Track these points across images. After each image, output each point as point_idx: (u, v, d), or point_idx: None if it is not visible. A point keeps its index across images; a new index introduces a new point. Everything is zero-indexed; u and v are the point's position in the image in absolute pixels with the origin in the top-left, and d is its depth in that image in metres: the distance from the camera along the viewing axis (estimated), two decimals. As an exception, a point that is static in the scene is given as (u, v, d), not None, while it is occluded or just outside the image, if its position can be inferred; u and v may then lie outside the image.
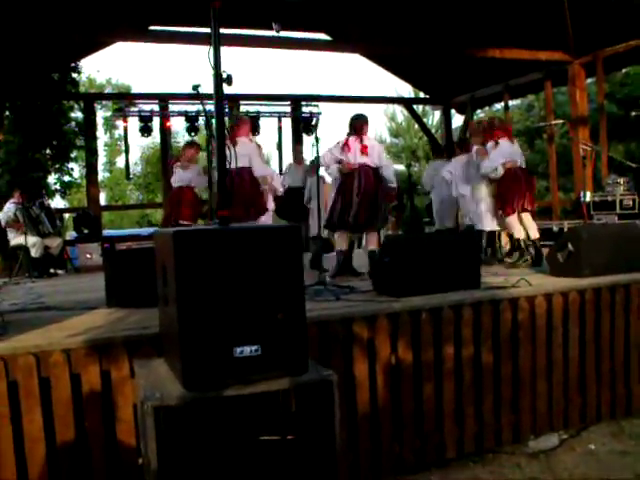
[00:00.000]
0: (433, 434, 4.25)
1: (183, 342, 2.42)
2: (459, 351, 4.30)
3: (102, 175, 29.57)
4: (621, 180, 9.19)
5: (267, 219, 7.07)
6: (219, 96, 3.05)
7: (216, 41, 2.99)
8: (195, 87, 4.41)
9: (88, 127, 11.87)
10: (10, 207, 8.80)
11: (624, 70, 14.92)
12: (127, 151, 11.88)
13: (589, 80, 11.82)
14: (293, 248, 2.59)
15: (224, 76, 3.07)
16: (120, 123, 12.95)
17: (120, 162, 28.22)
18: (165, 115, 11.63)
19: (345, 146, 6.33)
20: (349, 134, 6.47)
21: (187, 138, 25.62)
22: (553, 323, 4.67)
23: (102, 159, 29.88)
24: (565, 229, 8.72)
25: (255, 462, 2.54)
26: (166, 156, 12.02)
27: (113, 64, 44.11)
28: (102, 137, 29.04)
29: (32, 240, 8.67)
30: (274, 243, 2.57)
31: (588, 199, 9.33)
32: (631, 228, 5.62)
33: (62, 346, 3.30)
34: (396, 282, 4.54)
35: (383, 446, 4.08)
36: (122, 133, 12.16)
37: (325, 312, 4.04)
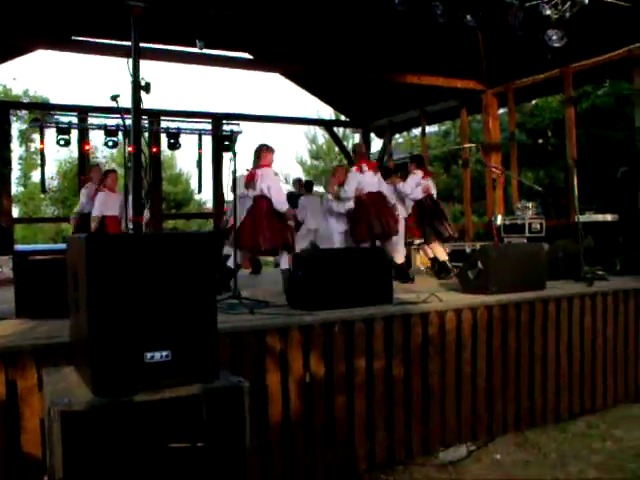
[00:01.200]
0: (344, 446, 4.31)
1: (93, 347, 2.40)
2: (371, 364, 4.39)
3: (16, 189, 28.56)
4: (530, 205, 9.61)
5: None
6: (137, 101, 3.05)
7: (135, 47, 3.00)
8: (114, 97, 4.36)
9: (2, 136, 11.49)
10: None
11: (534, 101, 15.69)
12: (43, 163, 11.56)
13: (502, 110, 12.35)
14: (204, 255, 2.62)
15: (142, 83, 3.08)
16: (36, 136, 12.56)
17: (35, 176, 27.39)
18: (84, 127, 11.38)
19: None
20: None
21: (106, 152, 25.07)
22: (462, 337, 4.84)
23: (16, 173, 28.90)
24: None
25: (165, 469, 2.52)
26: (83, 171, 11.75)
27: (31, 75, 42.87)
28: (17, 150, 28.09)
29: (-63, 252, 8.31)
30: (186, 250, 2.59)
31: (499, 222, 9.71)
32: (536, 249, 5.91)
33: (-35, 354, 3.20)
34: (309, 296, 4.60)
35: (296, 458, 4.11)
36: (38, 146, 11.83)
37: (238, 324, 4.06)
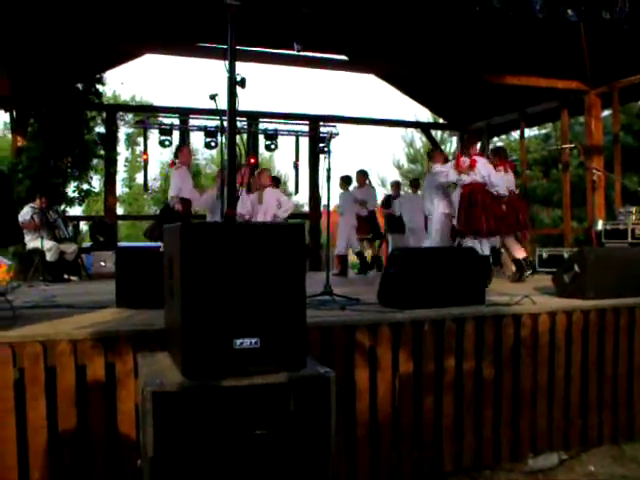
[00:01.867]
0: (431, 446, 4.27)
1: (185, 331, 2.50)
2: (460, 364, 4.33)
3: (121, 190, 29.88)
4: (633, 209, 9.19)
5: None
6: (232, 96, 3.14)
7: (231, 44, 3.10)
8: (212, 96, 4.49)
9: (109, 137, 12.07)
10: (28, 210, 8.95)
11: (641, 102, 14.99)
12: (146, 164, 12.05)
13: (606, 112, 11.88)
14: (296, 245, 2.66)
15: (238, 79, 3.17)
16: (141, 139, 13.09)
17: (140, 178, 28.50)
18: (185, 129, 11.80)
19: None
20: None
21: (207, 154, 25.84)
22: (556, 342, 4.70)
23: (122, 175, 30.22)
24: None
25: (249, 455, 2.58)
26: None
27: (137, 81, 44.69)
28: (123, 153, 29.36)
29: (48, 244, 8.80)
30: (277, 240, 2.64)
31: (600, 227, 9.34)
32: (637, 252, 5.65)
33: (69, 337, 3.39)
34: (400, 294, 4.59)
35: (381, 455, 4.11)
36: (142, 148, 12.33)
37: (328, 318, 4.10)
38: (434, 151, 8.83)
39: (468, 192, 7.45)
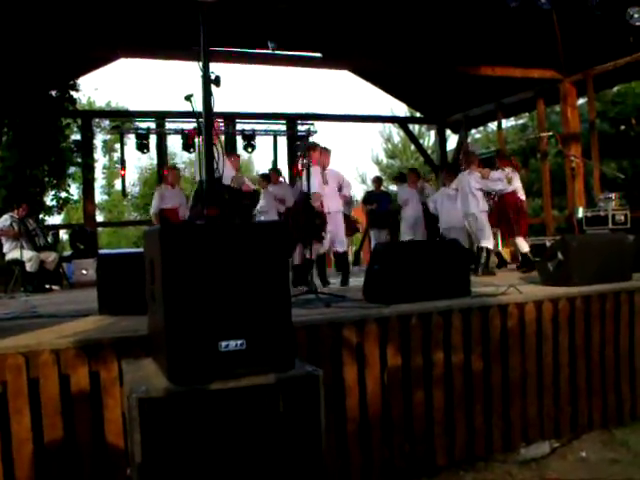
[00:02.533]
0: (423, 440, 4.25)
1: (169, 336, 2.45)
2: (449, 357, 4.32)
3: (100, 197, 29.69)
4: (613, 195, 9.25)
5: None
6: (207, 94, 3.10)
7: (204, 42, 3.06)
8: (188, 97, 4.45)
9: (85, 144, 11.96)
10: (7, 218, 8.84)
11: (616, 88, 15.08)
12: (123, 166, 11.94)
13: (582, 100, 11.95)
14: (278, 244, 2.63)
15: (212, 77, 3.13)
16: (119, 146, 13.00)
17: (118, 185, 28.35)
18: (162, 132, 11.71)
19: None
20: None
21: (185, 157, 25.73)
22: (543, 330, 4.70)
23: (100, 182, 30.04)
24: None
25: (240, 457, 2.55)
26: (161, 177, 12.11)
27: (111, 86, 44.41)
28: (100, 160, 29.18)
29: (28, 254, 8.69)
30: (260, 239, 2.60)
31: (580, 215, 9.40)
32: (619, 238, 5.68)
33: (52, 346, 3.33)
34: (386, 289, 4.57)
35: (373, 451, 4.08)
36: (120, 155, 12.24)
37: (314, 317, 4.07)
38: (472, 155, 8.87)
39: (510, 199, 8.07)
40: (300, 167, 6.38)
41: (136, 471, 2.44)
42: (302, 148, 7.34)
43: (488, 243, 7.88)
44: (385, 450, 4.12)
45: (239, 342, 2.52)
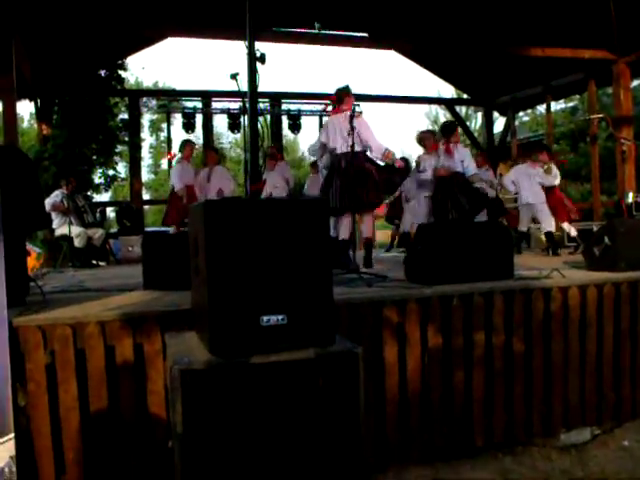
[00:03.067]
0: (462, 422, 4.24)
1: (211, 309, 2.48)
2: (490, 339, 4.28)
3: (147, 177, 30.09)
4: (665, 180, 9.02)
5: None
6: (252, 71, 3.11)
7: (250, 18, 3.06)
8: (233, 75, 4.47)
9: (132, 122, 12.13)
10: (57, 194, 9.03)
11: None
12: (170, 147, 12.07)
13: (636, 82, 11.62)
14: (320, 220, 2.64)
15: (258, 55, 3.13)
16: (165, 126, 13.11)
17: (165, 164, 28.61)
18: (208, 111, 11.80)
19: None
20: None
21: (231, 137, 25.84)
22: (587, 315, 4.62)
23: (147, 161, 30.44)
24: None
25: (278, 432, 2.58)
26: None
27: (159, 66, 44.83)
28: (148, 139, 29.55)
29: (76, 230, 8.88)
30: (301, 215, 2.61)
31: (630, 200, 9.17)
32: (670, 223, 5.53)
33: (97, 318, 3.41)
34: (428, 270, 4.54)
35: (411, 432, 4.09)
36: (166, 134, 12.36)
37: (355, 295, 4.07)
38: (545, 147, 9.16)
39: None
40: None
41: (177, 441, 2.50)
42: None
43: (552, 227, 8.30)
44: (424, 431, 4.13)
45: (280, 317, 2.55)
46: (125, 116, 12.41)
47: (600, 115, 10.61)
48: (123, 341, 3.42)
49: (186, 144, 9.74)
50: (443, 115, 26.06)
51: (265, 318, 2.53)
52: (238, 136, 16.29)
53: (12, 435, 3.11)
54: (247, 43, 3.18)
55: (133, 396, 3.46)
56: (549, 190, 8.40)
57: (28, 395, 3.32)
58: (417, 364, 4.08)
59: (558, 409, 4.56)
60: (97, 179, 11.80)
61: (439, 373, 4.15)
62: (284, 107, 12.32)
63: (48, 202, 8.77)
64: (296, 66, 46.52)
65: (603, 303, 4.69)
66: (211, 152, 10.03)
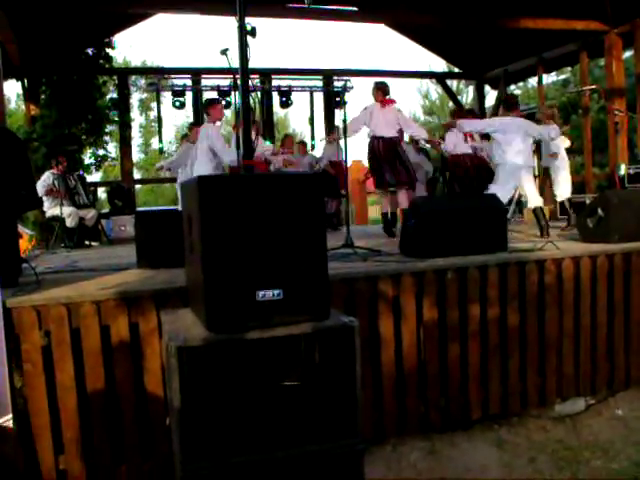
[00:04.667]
0: (458, 394, 4.27)
1: (207, 285, 2.47)
2: (485, 312, 4.30)
3: (137, 156, 29.87)
4: (657, 151, 9.02)
5: None
6: (243, 45, 3.07)
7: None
8: (223, 51, 4.44)
9: (122, 101, 12.01)
10: (49, 175, 8.96)
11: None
12: (160, 125, 11.95)
13: (628, 53, 11.56)
14: (314, 195, 2.62)
15: (248, 28, 3.10)
16: (155, 105, 12.91)
17: (155, 144, 28.41)
18: (198, 89, 11.67)
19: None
20: None
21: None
22: (581, 287, 4.65)
23: (138, 141, 30.18)
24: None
25: (276, 406, 2.59)
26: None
27: (147, 45, 44.34)
28: (137, 119, 29.28)
29: (67, 210, 8.84)
30: (295, 190, 2.60)
31: (623, 171, 9.17)
32: (663, 194, 5.53)
33: (92, 298, 3.40)
34: (422, 244, 4.55)
35: (408, 405, 4.12)
36: (156, 113, 12.21)
37: (350, 270, 4.08)
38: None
39: None
40: None
41: (175, 417, 2.50)
42: None
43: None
44: (420, 404, 4.16)
45: (276, 292, 2.55)
46: (114, 95, 12.29)
47: (593, 86, 10.54)
48: (118, 320, 3.41)
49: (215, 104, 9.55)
50: (434, 90, 25.99)
51: (261, 293, 2.53)
52: (228, 113, 16.15)
53: (10, 416, 3.12)
54: (237, 17, 3.14)
55: (130, 374, 3.46)
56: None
57: (24, 376, 3.32)
58: (413, 337, 4.09)
59: (552, 380, 4.60)
60: (87, 159, 11.70)
61: (435, 346, 4.17)
62: (274, 83, 12.22)
63: (40, 186, 8.70)
64: (286, 41, 46.11)
65: (597, 274, 4.71)
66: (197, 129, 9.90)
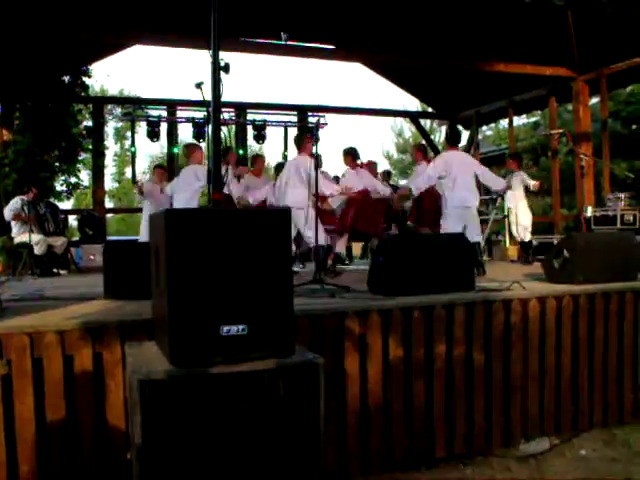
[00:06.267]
0: (423, 432, 4.27)
1: (171, 319, 2.47)
2: (450, 351, 4.33)
3: (111, 185, 29.76)
4: (622, 195, 9.22)
5: None
6: (216, 81, 3.11)
7: (215, 27, 3.06)
8: (198, 84, 4.46)
9: (96, 129, 11.99)
10: (18, 201, 8.86)
11: (629, 88, 14.97)
12: (134, 155, 11.93)
13: (595, 100, 11.88)
14: (281, 231, 2.64)
15: (222, 64, 3.14)
16: (129, 134, 12.95)
17: (129, 173, 28.32)
18: (173, 121, 11.70)
19: None
20: None
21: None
22: (546, 327, 4.70)
23: (111, 169, 30.10)
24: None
25: (238, 441, 2.57)
26: (172, 164, 12.11)
27: (124, 74, 44.50)
28: (112, 147, 29.24)
29: (36, 238, 8.74)
30: (263, 226, 2.61)
31: (589, 214, 9.36)
32: (626, 237, 5.64)
33: (56, 327, 3.36)
34: (390, 282, 4.58)
35: (372, 442, 4.10)
36: (130, 143, 12.21)
37: (318, 306, 4.08)
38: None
39: None
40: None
41: (135, 453, 2.47)
42: None
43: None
44: (385, 442, 4.14)
45: (241, 327, 2.55)
46: (89, 123, 12.27)
47: (560, 130, 10.80)
48: (82, 351, 3.37)
49: (256, 158, 10.27)
50: (408, 128, 26.34)
51: (225, 328, 2.53)
52: (203, 145, 16.20)
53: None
54: (211, 52, 3.18)
55: (92, 407, 3.41)
56: None
57: (-18, 406, 3.25)
58: (378, 375, 4.09)
59: (517, 420, 4.62)
60: (59, 186, 11.63)
61: (400, 384, 4.17)
62: (249, 117, 12.30)
63: (8, 211, 8.62)
64: (262, 76, 46.57)
65: (562, 315, 4.77)
66: (160, 170, 10.30)
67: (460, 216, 7.04)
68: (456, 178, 7.10)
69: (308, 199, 6.70)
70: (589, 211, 9.44)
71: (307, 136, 7.43)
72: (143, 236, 8.70)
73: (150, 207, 9.42)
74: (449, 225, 7.06)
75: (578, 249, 5.17)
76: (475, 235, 7.01)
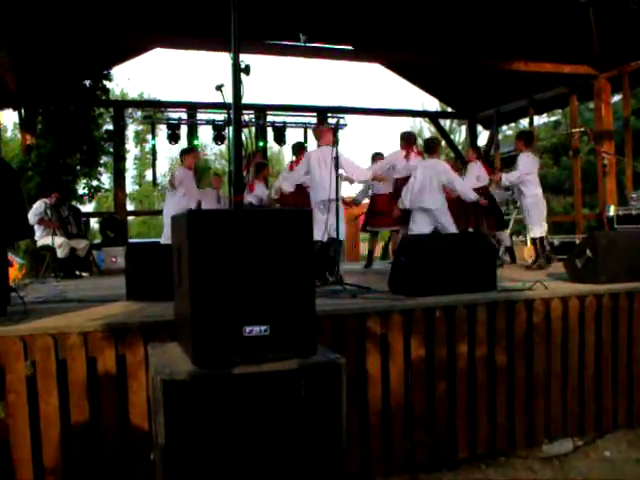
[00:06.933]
0: (445, 433, 4.25)
1: (194, 320, 2.48)
2: (473, 351, 4.31)
3: (132, 188, 29.99)
4: (646, 194, 9.11)
5: None
6: (237, 82, 3.12)
7: (235, 30, 3.08)
8: (218, 87, 4.48)
9: (117, 133, 12.08)
10: (41, 204, 8.94)
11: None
12: (154, 157, 12.04)
13: (617, 97, 11.74)
14: (303, 231, 2.64)
15: (242, 66, 3.15)
16: (150, 137, 13.08)
17: (150, 175, 28.56)
18: (193, 123, 11.78)
19: None
20: None
21: (216, 149, 25.85)
22: (569, 327, 4.66)
23: (132, 172, 30.34)
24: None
25: (261, 441, 2.57)
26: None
27: (144, 78, 44.83)
28: (132, 150, 29.45)
29: (59, 240, 8.81)
30: (285, 226, 2.62)
31: (612, 213, 9.25)
32: (650, 235, 5.58)
33: (80, 329, 3.39)
34: (411, 282, 4.57)
35: (394, 443, 4.10)
36: (151, 145, 12.32)
37: (339, 307, 4.09)
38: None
39: None
40: None
41: (159, 452, 2.48)
42: None
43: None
44: (407, 442, 4.14)
45: (263, 328, 2.55)
46: (110, 127, 12.36)
47: (582, 129, 10.67)
48: (105, 352, 3.40)
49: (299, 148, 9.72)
50: (427, 128, 26.19)
51: (248, 329, 2.53)
52: (223, 147, 16.23)
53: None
54: (232, 55, 3.19)
55: (115, 407, 3.44)
56: None
57: (8, 406, 3.29)
58: (400, 375, 4.09)
59: (540, 420, 4.59)
60: (81, 190, 11.71)
61: (422, 384, 4.16)
62: (269, 119, 12.35)
63: (32, 215, 8.69)
64: (282, 78, 46.70)
65: (585, 314, 4.73)
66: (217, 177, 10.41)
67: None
68: None
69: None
70: (612, 210, 9.33)
71: (324, 128, 7.28)
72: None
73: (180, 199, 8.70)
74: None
75: (600, 248, 5.12)
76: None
